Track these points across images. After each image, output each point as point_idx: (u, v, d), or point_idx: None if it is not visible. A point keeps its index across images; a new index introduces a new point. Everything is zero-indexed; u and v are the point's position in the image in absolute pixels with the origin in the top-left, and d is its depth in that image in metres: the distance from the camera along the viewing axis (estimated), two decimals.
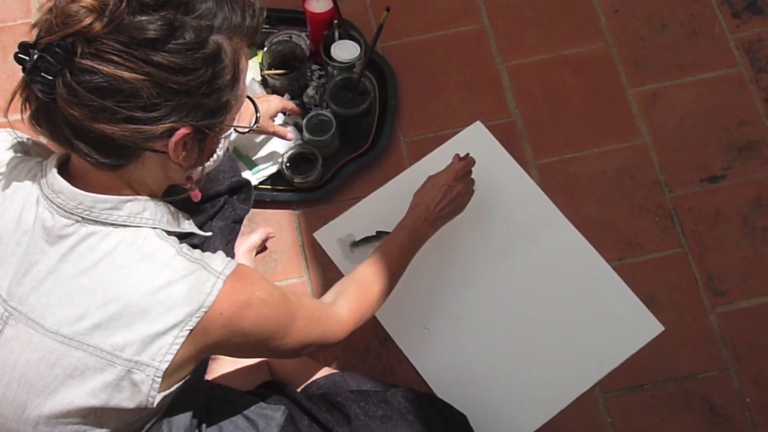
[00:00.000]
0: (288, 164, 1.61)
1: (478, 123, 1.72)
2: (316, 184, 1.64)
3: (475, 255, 1.59)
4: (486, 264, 1.59)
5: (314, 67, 1.74)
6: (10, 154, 0.97)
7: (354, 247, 1.61)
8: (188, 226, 1.02)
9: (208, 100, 0.88)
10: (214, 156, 0.99)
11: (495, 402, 1.48)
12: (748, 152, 1.69)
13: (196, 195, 1.01)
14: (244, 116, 1.02)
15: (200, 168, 0.97)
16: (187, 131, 0.87)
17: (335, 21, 1.64)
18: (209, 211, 1.34)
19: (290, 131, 1.58)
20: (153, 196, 0.95)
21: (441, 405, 1.31)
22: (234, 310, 0.92)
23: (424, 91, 1.76)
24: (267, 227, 1.62)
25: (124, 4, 0.80)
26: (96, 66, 0.80)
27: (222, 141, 0.98)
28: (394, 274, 1.29)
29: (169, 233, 0.96)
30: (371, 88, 1.67)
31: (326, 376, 1.35)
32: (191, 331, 0.89)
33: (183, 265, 0.91)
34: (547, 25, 1.83)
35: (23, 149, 0.99)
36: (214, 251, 1.34)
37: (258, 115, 1.09)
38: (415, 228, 1.35)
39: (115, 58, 0.80)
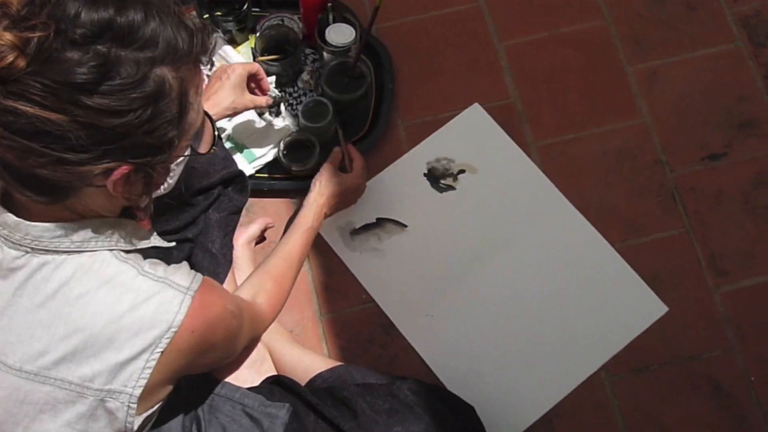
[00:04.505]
0: (285, 152, 1.58)
1: (476, 105, 1.69)
2: (314, 171, 1.61)
3: (476, 240, 1.58)
4: (487, 249, 1.57)
5: (308, 50, 1.70)
6: None
7: (354, 235, 1.58)
8: (146, 242, 0.96)
9: (150, 138, 0.80)
10: (165, 185, 0.92)
11: (500, 387, 1.47)
12: (748, 129, 1.67)
13: (146, 224, 0.96)
14: (206, 138, 0.95)
15: (148, 198, 0.91)
16: (127, 170, 0.81)
17: (329, 4, 1.60)
18: (202, 204, 1.32)
19: (267, 99, 1.46)
20: (105, 218, 0.90)
21: (448, 396, 1.30)
22: (206, 326, 0.89)
23: (420, 73, 1.72)
24: (266, 217, 1.59)
25: (50, 38, 0.73)
26: (19, 107, 0.73)
27: (174, 169, 0.91)
28: (299, 268, 1.35)
29: (129, 252, 0.92)
30: (367, 72, 1.63)
31: (331, 370, 1.34)
32: (162, 352, 0.86)
33: (146, 286, 0.87)
34: (545, 2, 1.79)
35: None
36: (212, 243, 1.33)
37: (216, 133, 0.99)
38: (320, 226, 1.44)
39: (39, 99, 0.73)
